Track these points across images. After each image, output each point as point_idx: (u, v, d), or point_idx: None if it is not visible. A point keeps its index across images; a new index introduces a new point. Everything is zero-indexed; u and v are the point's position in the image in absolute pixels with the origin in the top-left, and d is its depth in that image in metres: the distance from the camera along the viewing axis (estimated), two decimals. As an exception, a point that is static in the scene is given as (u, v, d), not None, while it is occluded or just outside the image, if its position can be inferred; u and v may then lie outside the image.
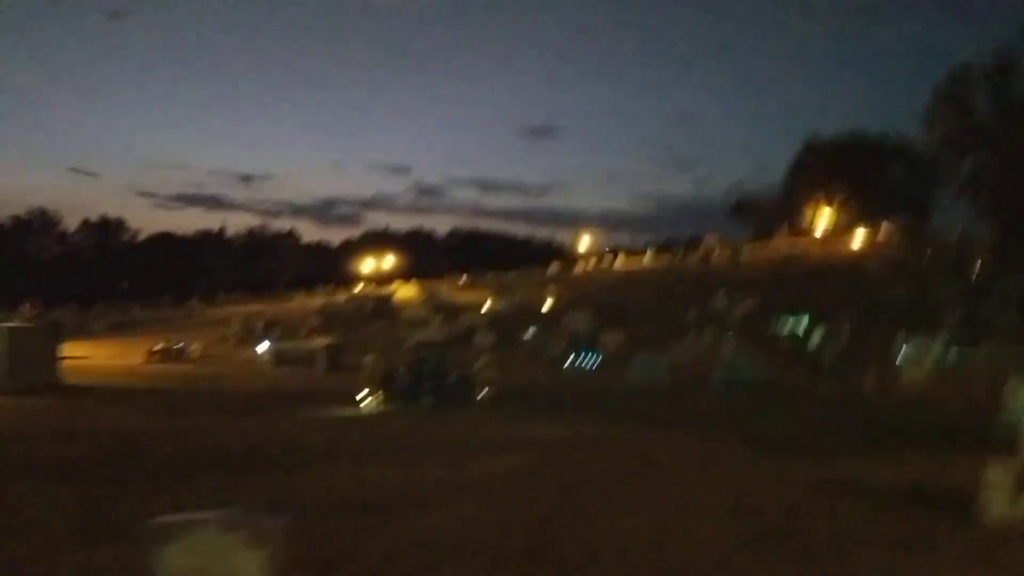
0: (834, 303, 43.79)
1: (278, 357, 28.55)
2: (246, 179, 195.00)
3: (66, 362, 30.28)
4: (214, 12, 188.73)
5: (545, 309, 49.20)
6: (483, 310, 49.67)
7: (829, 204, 68.79)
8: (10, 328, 21.79)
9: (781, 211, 75.87)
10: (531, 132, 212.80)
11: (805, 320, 35.73)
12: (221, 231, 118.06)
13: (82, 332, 45.49)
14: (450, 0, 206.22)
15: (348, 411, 16.89)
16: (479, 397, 17.08)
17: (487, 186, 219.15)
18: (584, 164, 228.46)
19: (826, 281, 50.66)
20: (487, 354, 18.06)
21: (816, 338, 25.87)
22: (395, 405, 17.21)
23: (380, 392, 17.20)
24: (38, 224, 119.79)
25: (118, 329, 47.20)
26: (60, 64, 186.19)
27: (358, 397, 17.23)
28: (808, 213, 70.46)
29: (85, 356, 33.02)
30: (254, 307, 58.77)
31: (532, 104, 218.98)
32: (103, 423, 15.48)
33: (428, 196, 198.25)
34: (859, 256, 58.95)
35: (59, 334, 24.07)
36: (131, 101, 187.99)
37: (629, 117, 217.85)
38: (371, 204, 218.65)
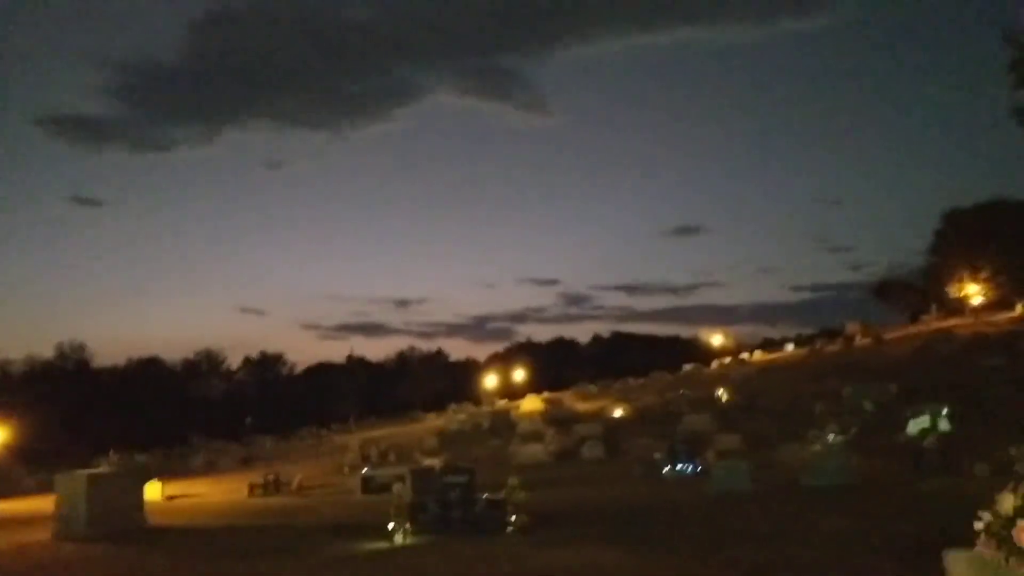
0: (982, 387, 39.98)
1: (365, 484, 28.22)
2: (402, 304, 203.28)
3: (173, 501, 31.47)
4: (360, 154, 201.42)
5: (666, 412, 47.32)
6: (603, 419, 48.28)
7: (975, 278, 63.77)
8: (88, 475, 22.44)
9: (927, 290, 70.98)
10: (676, 232, 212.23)
11: (942, 411, 32.48)
12: (349, 358, 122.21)
13: (211, 469, 47.14)
14: (584, 112, 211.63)
15: (378, 545, 16.20)
16: (511, 523, 16.03)
17: (635, 290, 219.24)
18: (733, 259, 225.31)
19: (973, 363, 46.48)
20: (515, 477, 16.94)
21: (917, 426, 23.11)
22: (425, 536, 16.41)
23: (408, 523, 16.43)
24: (204, 365, 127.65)
25: (248, 463, 48.57)
26: (224, 211, 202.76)
27: (389, 529, 16.52)
28: (954, 290, 65.57)
29: (197, 494, 33.97)
30: (381, 431, 59.47)
31: (675, 203, 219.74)
32: (128, 571, 15.53)
33: (576, 305, 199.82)
34: (1014, 332, 53.97)
35: (143, 478, 24.67)
36: (292, 241, 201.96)
37: (775, 207, 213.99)
38: (521, 318, 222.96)
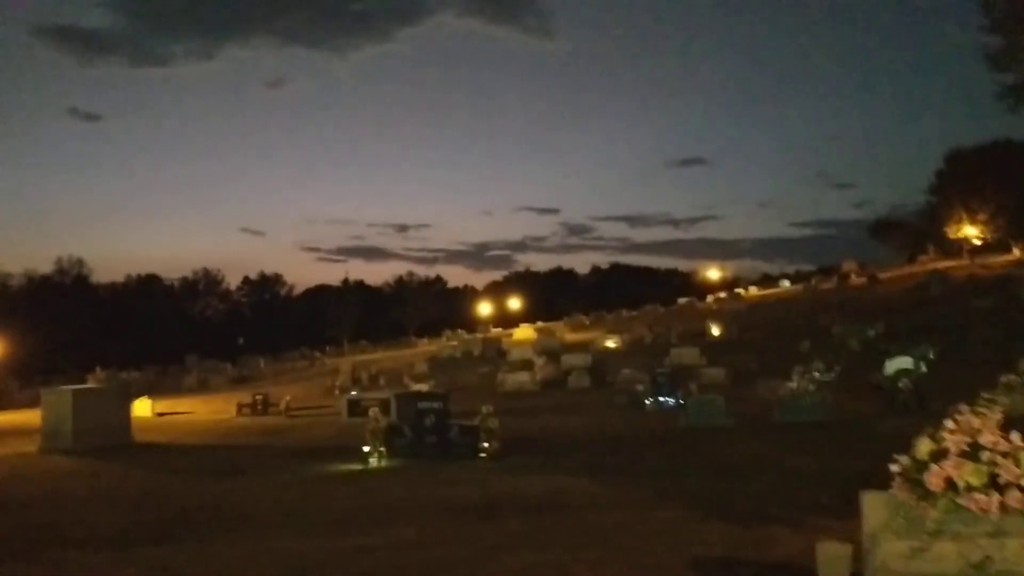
0: (970, 329, 40.10)
1: (351, 407, 28.50)
2: (403, 229, 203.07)
3: (162, 418, 32.01)
4: (362, 74, 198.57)
5: (656, 345, 47.61)
6: (593, 349, 48.55)
7: (974, 220, 63.39)
8: (74, 391, 22.83)
9: (925, 230, 70.77)
10: (679, 164, 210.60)
11: (929, 352, 32.50)
12: (345, 281, 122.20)
13: (203, 388, 47.67)
14: (589, 38, 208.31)
15: (352, 467, 16.53)
16: (483, 449, 16.32)
17: (635, 221, 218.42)
18: (735, 192, 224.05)
19: (964, 304, 46.55)
20: (488, 404, 17.16)
21: (893, 366, 23.17)
22: (399, 460, 16.72)
23: (383, 447, 16.73)
24: (203, 284, 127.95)
25: (239, 383, 49.11)
26: (224, 128, 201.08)
27: (364, 452, 16.82)
28: (953, 231, 65.26)
29: (186, 412, 34.45)
30: (374, 355, 59.99)
31: (679, 135, 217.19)
32: (101, 485, 15.93)
33: (577, 235, 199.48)
34: (1008, 275, 53.89)
35: (128, 395, 25.04)
36: (293, 162, 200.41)
37: (779, 141, 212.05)
38: (521, 246, 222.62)
